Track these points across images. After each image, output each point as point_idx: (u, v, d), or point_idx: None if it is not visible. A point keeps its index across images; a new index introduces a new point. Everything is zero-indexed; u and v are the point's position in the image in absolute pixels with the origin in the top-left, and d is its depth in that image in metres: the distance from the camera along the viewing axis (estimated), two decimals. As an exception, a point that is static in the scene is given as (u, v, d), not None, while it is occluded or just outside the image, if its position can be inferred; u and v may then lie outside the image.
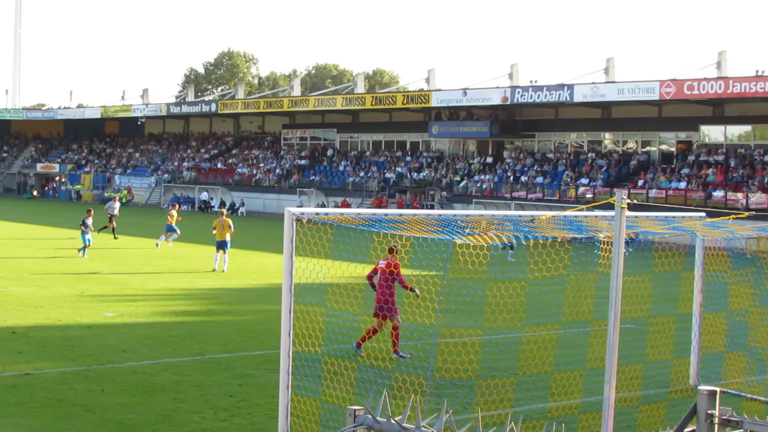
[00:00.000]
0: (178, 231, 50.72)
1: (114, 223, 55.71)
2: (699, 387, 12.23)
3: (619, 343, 11.19)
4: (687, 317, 19.56)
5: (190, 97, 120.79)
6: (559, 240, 15.01)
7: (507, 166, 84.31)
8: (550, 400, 16.89)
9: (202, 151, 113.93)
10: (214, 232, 40.00)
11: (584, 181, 77.12)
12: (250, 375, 18.86)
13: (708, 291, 19.01)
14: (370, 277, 20.67)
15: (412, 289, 19.69)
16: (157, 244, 50.03)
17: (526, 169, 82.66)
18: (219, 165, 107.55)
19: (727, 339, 21.68)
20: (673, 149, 76.86)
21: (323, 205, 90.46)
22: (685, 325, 19.91)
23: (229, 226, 39.53)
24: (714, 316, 21.22)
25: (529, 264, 18.38)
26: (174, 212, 51.28)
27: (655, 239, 18.93)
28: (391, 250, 19.93)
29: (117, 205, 57.06)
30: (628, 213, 11.92)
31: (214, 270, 39.17)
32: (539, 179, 79.90)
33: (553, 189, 77.60)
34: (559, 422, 14.71)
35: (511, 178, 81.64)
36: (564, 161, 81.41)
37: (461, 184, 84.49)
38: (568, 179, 78.12)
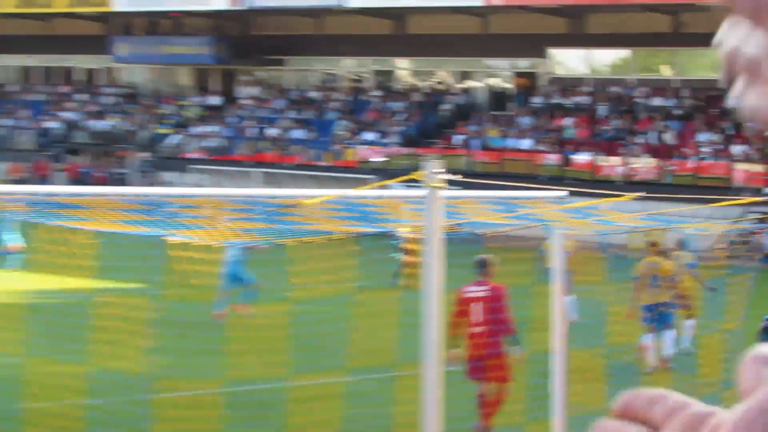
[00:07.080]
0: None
1: None
2: None
3: (442, 397, 8.76)
4: (543, 359, 13.82)
5: None
6: (337, 237, 11.99)
7: (244, 112, 59.00)
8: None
9: None
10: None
11: (369, 136, 53.62)
12: None
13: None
14: (458, 317, 14.52)
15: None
16: None
17: (275, 116, 57.39)
18: None
19: (608, 390, 16.14)
20: (511, 85, 55.51)
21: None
22: (541, 370, 14.32)
23: None
24: (587, 354, 16.54)
25: (290, 274, 16.07)
26: None
27: (486, 232, 13.94)
28: (483, 265, 14.38)
29: None
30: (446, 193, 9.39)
31: None
32: (297, 133, 55.54)
33: (320, 149, 53.86)
34: None
35: (253, 130, 56.97)
36: (337, 104, 57.44)
37: (170, 140, 58.68)
38: (346, 133, 54.45)
